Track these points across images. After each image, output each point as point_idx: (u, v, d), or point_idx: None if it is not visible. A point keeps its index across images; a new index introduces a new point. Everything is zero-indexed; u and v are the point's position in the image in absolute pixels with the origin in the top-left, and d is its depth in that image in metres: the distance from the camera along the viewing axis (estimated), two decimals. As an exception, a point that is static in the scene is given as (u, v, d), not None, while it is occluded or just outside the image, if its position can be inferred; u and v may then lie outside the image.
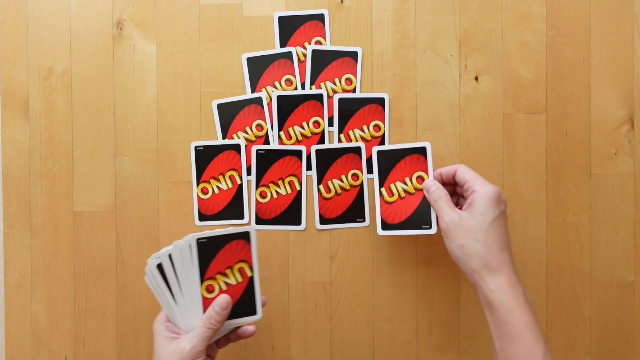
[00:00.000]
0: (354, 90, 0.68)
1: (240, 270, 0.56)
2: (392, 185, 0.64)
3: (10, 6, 0.68)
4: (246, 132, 0.67)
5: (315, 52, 0.67)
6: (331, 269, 0.67)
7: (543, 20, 0.67)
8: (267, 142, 0.67)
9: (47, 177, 0.67)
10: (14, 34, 0.68)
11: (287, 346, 0.67)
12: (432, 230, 0.62)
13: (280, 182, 0.67)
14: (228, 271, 0.56)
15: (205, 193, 0.67)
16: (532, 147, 0.67)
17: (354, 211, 0.67)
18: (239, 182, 0.67)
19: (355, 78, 0.67)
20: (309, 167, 0.67)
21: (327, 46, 0.68)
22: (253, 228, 0.57)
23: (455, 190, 0.62)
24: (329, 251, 0.67)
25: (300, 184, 0.67)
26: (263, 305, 0.58)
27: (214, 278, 0.55)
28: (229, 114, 0.67)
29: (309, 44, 0.68)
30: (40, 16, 0.68)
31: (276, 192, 0.67)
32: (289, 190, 0.67)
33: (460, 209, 0.58)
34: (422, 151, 0.63)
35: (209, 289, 0.55)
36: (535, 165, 0.67)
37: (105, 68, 0.68)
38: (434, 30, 0.67)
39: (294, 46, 0.68)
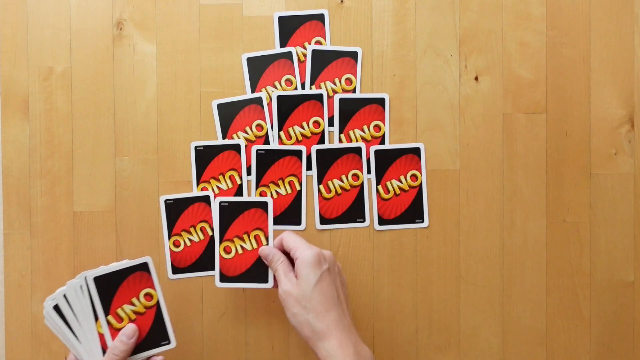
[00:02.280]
0: (354, 90, 0.68)
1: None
2: (388, 183, 0.66)
3: (10, 6, 0.68)
4: (246, 132, 0.67)
5: (315, 52, 0.67)
6: (331, 269, 0.67)
7: (543, 20, 0.67)
8: (267, 142, 0.67)
9: (47, 177, 0.67)
10: (14, 34, 0.68)
11: (287, 346, 0.67)
12: (425, 224, 0.66)
13: (280, 182, 0.67)
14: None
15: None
16: (532, 147, 0.67)
17: (354, 211, 0.67)
18: (239, 182, 0.67)
19: (355, 78, 0.67)
20: (309, 167, 0.67)
21: (327, 46, 0.68)
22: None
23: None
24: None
25: (300, 184, 0.67)
26: None
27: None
28: (229, 114, 0.67)
29: (309, 44, 0.68)
30: (40, 16, 0.68)
31: (276, 192, 0.67)
32: (289, 190, 0.67)
33: None
34: (416, 151, 0.67)
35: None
36: (535, 165, 0.67)
37: (105, 68, 0.68)
38: (434, 30, 0.67)
39: (294, 46, 0.68)
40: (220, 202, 0.63)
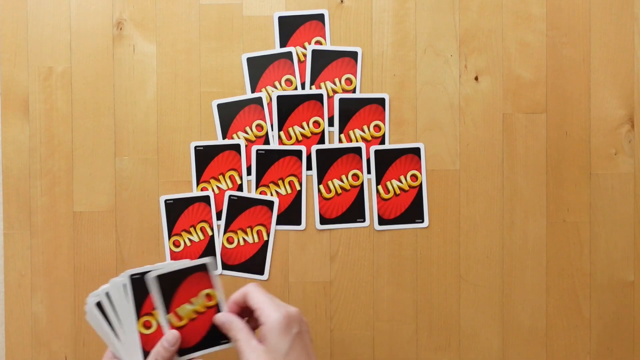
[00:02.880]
0: (354, 90, 0.68)
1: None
2: (388, 183, 0.67)
3: (10, 6, 0.68)
4: (246, 132, 0.67)
5: (315, 52, 0.67)
6: (331, 269, 0.67)
7: (543, 20, 0.67)
8: (267, 142, 0.67)
9: (47, 177, 0.67)
10: (14, 34, 0.68)
11: (287, 346, 0.67)
12: (425, 224, 0.67)
13: (280, 182, 0.67)
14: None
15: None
16: (532, 147, 0.67)
17: (354, 211, 0.67)
18: (239, 182, 0.67)
19: (355, 78, 0.67)
20: (309, 167, 0.67)
21: (327, 46, 0.68)
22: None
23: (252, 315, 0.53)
24: (329, 251, 0.67)
25: (300, 184, 0.67)
26: None
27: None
28: (229, 114, 0.67)
29: (309, 44, 0.68)
30: (40, 16, 0.68)
31: (276, 192, 0.67)
32: (289, 190, 0.67)
33: None
34: (416, 151, 0.67)
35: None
36: (535, 165, 0.67)
37: (105, 68, 0.68)
38: (434, 30, 0.67)
39: (294, 46, 0.68)
40: (230, 196, 0.64)
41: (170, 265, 0.55)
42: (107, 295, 0.54)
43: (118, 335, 0.55)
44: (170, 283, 0.54)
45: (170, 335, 0.53)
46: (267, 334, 0.49)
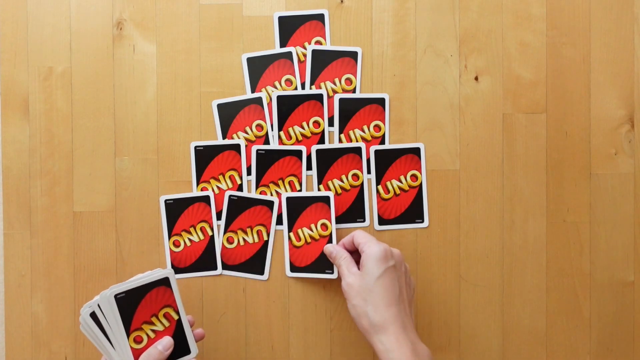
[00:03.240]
0: (354, 90, 0.68)
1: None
2: (388, 183, 0.67)
3: (10, 6, 0.68)
4: (246, 132, 0.67)
5: (315, 52, 0.67)
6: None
7: (543, 20, 0.67)
8: (267, 142, 0.67)
9: (47, 177, 0.67)
10: (14, 34, 0.68)
11: (287, 346, 0.67)
12: (425, 224, 0.67)
13: (280, 182, 0.67)
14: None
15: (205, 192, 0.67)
16: (532, 147, 0.67)
17: (354, 211, 0.67)
18: (239, 182, 0.67)
19: (355, 78, 0.67)
20: (309, 167, 0.67)
21: (327, 46, 0.68)
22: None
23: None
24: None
25: (301, 184, 0.67)
26: (201, 338, 0.59)
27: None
28: (229, 114, 0.67)
29: (309, 44, 0.68)
30: (40, 16, 0.68)
31: (276, 192, 0.67)
32: (289, 190, 0.67)
33: None
34: (416, 151, 0.67)
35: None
36: (535, 165, 0.67)
37: (105, 68, 0.68)
38: (434, 30, 0.67)
39: (294, 46, 0.68)
40: (230, 196, 0.65)
41: (128, 282, 0.55)
42: (99, 306, 0.55)
43: (113, 345, 0.55)
44: (130, 302, 0.55)
45: (165, 341, 0.56)
46: (365, 260, 0.56)
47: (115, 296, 0.54)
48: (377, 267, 0.55)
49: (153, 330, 0.56)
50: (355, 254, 0.61)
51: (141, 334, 0.55)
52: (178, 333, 0.57)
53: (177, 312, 0.57)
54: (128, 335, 0.55)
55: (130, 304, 0.55)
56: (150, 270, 0.57)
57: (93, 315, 0.54)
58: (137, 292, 0.55)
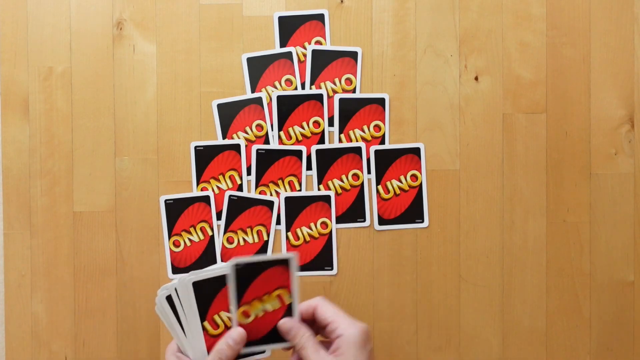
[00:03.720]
0: (354, 90, 0.68)
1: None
2: (388, 183, 0.67)
3: (10, 6, 0.68)
4: (246, 132, 0.67)
5: (315, 52, 0.67)
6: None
7: (543, 20, 0.67)
8: (267, 142, 0.67)
9: (47, 177, 0.67)
10: (14, 34, 0.68)
11: (287, 346, 0.67)
12: (425, 224, 0.67)
13: (280, 181, 0.67)
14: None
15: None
16: (532, 147, 0.67)
17: (355, 211, 0.67)
18: (239, 182, 0.67)
19: (355, 78, 0.67)
20: (309, 167, 0.67)
21: (327, 46, 0.68)
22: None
23: (314, 326, 0.52)
24: (329, 251, 0.67)
25: (300, 184, 0.67)
26: None
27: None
28: (229, 114, 0.67)
29: (309, 44, 0.68)
30: (40, 16, 0.68)
31: (276, 192, 0.67)
32: (289, 190, 0.67)
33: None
34: (416, 151, 0.67)
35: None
36: (535, 165, 0.67)
37: (105, 68, 0.68)
38: (434, 30, 0.67)
39: (294, 46, 0.68)
40: (230, 196, 0.64)
41: (251, 257, 0.52)
42: (176, 290, 0.53)
43: (184, 330, 0.54)
44: (248, 275, 0.51)
45: (236, 333, 0.51)
46: (344, 346, 0.48)
47: (237, 266, 0.51)
48: (361, 353, 0.48)
49: (263, 310, 0.52)
50: (311, 325, 0.52)
51: (249, 309, 0.52)
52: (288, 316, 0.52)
53: (291, 297, 0.52)
54: (202, 322, 0.52)
55: (250, 276, 0.52)
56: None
57: (169, 299, 0.52)
58: (260, 266, 0.52)
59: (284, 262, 0.53)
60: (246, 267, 0.52)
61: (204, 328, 0.53)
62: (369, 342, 0.49)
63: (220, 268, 0.54)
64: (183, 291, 0.53)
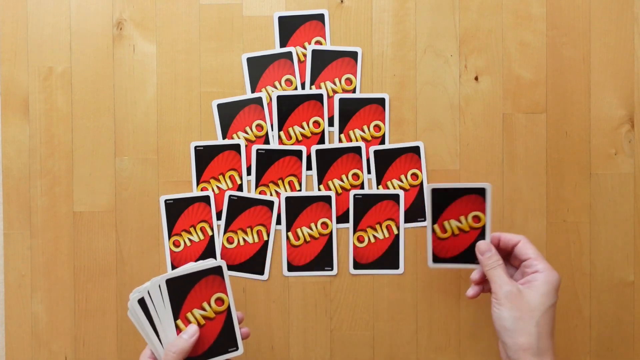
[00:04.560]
0: (354, 90, 0.68)
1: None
2: (388, 183, 0.67)
3: (10, 6, 0.68)
4: (246, 132, 0.67)
5: (315, 52, 0.67)
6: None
7: (543, 20, 0.67)
8: (267, 142, 0.67)
9: (47, 177, 0.67)
10: (14, 34, 0.68)
11: (287, 346, 0.67)
12: (425, 223, 0.67)
13: (280, 181, 0.67)
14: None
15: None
16: (532, 147, 0.67)
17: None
18: (239, 182, 0.67)
19: (355, 78, 0.67)
20: (309, 167, 0.67)
21: (327, 46, 0.68)
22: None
23: (506, 257, 0.58)
24: (329, 251, 0.67)
25: (300, 184, 0.67)
26: (246, 337, 0.57)
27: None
28: (229, 114, 0.67)
29: (309, 44, 0.68)
30: (40, 16, 0.68)
31: (275, 192, 0.67)
32: (289, 190, 0.67)
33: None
34: (416, 150, 0.67)
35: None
36: (535, 165, 0.67)
37: (105, 68, 0.68)
38: (434, 30, 0.67)
39: (294, 46, 0.68)
40: (230, 196, 0.64)
41: (183, 268, 0.55)
42: (149, 293, 0.54)
43: (157, 331, 0.54)
44: (182, 287, 0.54)
45: (190, 328, 0.55)
46: (541, 281, 0.53)
47: (167, 281, 0.54)
48: (553, 295, 0.53)
49: (204, 317, 0.55)
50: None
51: (191, 319, 0.54)
52: (227, 326, 0.55)
53: (228, 301, 0.55)
54: (176, 321, 0.54)
55: (183, 289, 0.54)
56: (201, 261, 0.57)
57: (141, 302, 0.54)
58: (191, 278, 0.54)
59: (479, 192, 0.56)
60: (442, 192, 0.56)
61: (177, 326, 0.54)
62: (557, 293, 0.54)
63: (192, 267, 0.55)
64: (156, 291, 0.54)
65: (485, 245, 0.57)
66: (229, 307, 0.56)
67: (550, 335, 0.53)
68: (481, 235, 0.57)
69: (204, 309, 0.55)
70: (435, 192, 0.57)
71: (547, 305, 0.53)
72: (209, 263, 0.55)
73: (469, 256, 0.58)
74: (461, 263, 0.58)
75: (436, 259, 0.59)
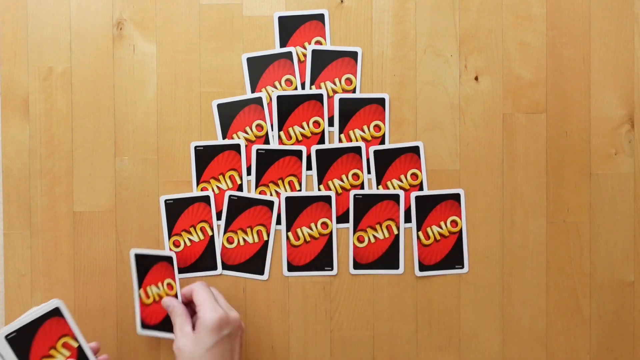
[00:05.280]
0: (354, 90, 0.68)
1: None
2: (389, 183, 0.67)
3: (10, 6, 0.68)
4: (246, 132, 0.67)
5: (315, 52, 0.67)
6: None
7: (543, 20, 0.67)
8: (267, 142, 0.67)
9: (47, 177, 0.67)
10: (14, 34, 0.68)
11: (287, 346, 0.67)
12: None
13: (280, 181, 0.67)
14: (52, 351, 0.54)
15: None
16: (532, 147, 0.67)
17: (354, 211, 0.67)
18: (239, 182, 0.67)
19: (355, 78, 0.67)
20: (309, 167, 0.67)
21: (327, 46, 0.68)
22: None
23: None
24: (329, 251, 0.67)
25: (300, 184, 0.67)
26: None
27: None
28: (229, 114, 0.67)
29: (309, 44, 0.68)
30: (40, 16, 0.68)
31: (275, 192, 0.67)
32: (289, 190, 0.67)
33: None
34: (415, 150, 0.66)
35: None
36: (535, 165, 0.67)
37: (105, 68, 0.68)
38: (434, 30, 0.67)
39: (294, 46, 0.68)
40: (230, 196, 0.64)
41: (18, 320, 0.53)
42: None
43: None
44: (23, 339, 0.53)
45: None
46: (199, 327, 0.56)
47: (7, 337, 0.52)
48: (210, 337, 0.55)
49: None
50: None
51: None
52: None
53: (76, 340, 0.56)
54: None
55: (24, 342, 0.53)
56: (42, 304, 0.56)
57: None
58: (29, 328, 0.54)
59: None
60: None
61: None
62: (225, 328, 0.56)
63: (29, 315, 0.54)
64: (2, 346, 0.53)
65: (166, 300, 0.61)
66: (79, 346, 0.55)
67: None
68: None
69: (53, 357, 0.54)
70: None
71: (204, 349, 0.54)
72: (45, 307, 0.54)
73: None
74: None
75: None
